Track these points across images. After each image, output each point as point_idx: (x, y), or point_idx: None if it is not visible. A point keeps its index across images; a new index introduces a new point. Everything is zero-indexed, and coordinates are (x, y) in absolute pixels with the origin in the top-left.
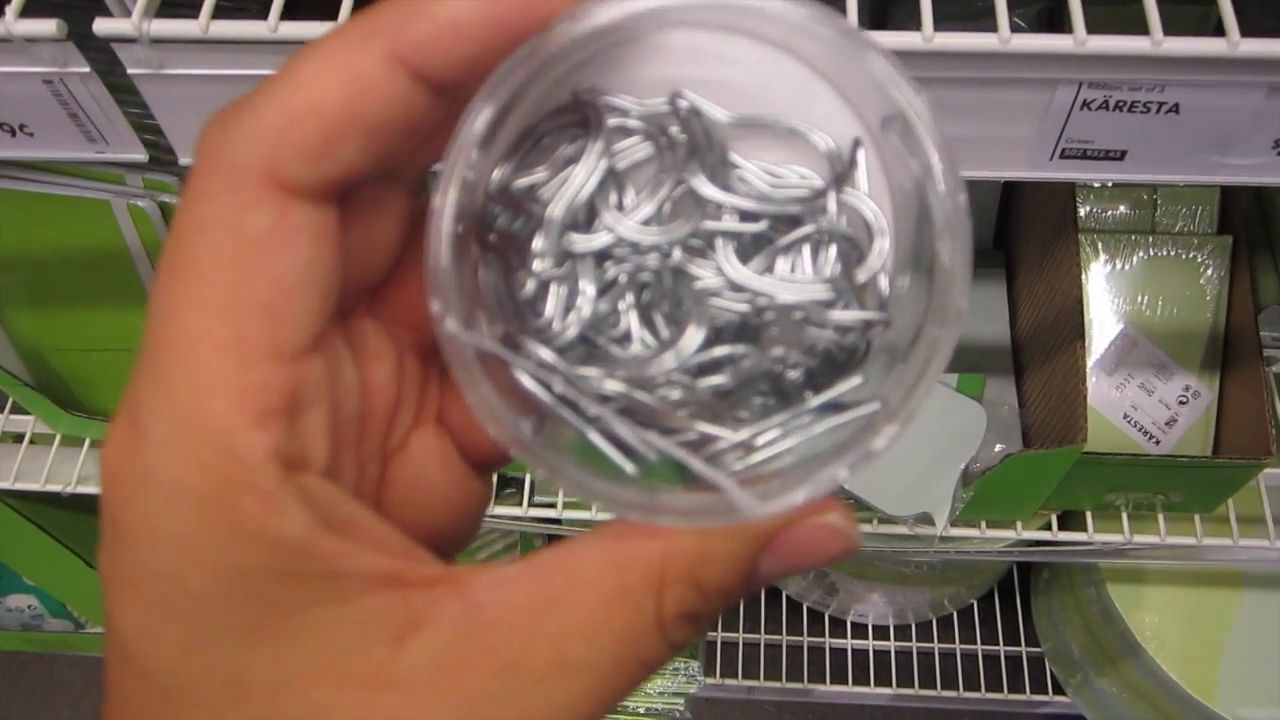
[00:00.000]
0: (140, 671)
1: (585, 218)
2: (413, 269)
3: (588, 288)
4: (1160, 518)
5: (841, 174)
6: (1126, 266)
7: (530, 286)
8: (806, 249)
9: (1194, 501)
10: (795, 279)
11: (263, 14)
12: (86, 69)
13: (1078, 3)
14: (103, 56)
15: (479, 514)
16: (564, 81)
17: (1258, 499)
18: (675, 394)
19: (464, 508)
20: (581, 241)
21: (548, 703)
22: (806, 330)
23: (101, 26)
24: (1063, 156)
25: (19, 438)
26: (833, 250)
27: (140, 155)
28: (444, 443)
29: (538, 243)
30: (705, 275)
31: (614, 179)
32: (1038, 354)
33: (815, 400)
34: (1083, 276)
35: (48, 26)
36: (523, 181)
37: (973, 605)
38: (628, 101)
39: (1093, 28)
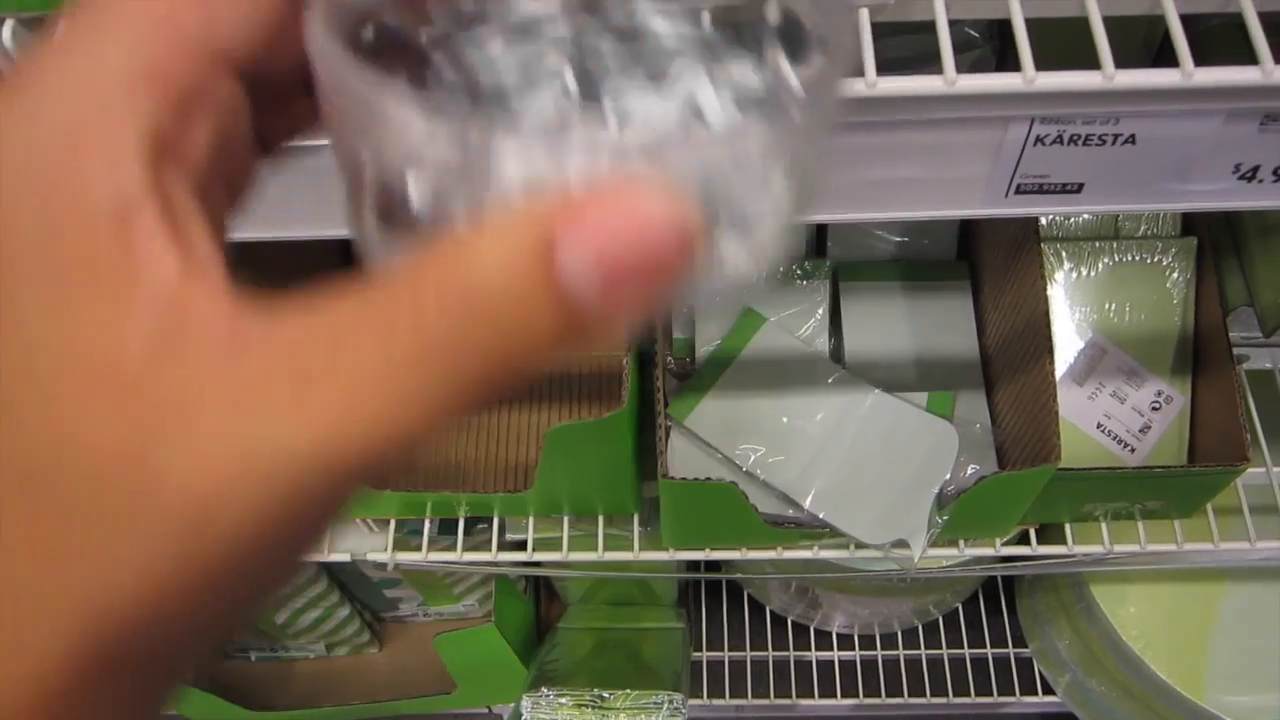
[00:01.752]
0: None
1: None
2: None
3: None
4: (1140, 525)
5: None
6: (1092, 274)
7: None
8: None
9: (1173, 508)
10: None
11: None
12: None
13: (1025, 41)
14: None
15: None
16: None
17: (1235, 495)
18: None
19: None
20: None
21: (300, 435)
22: None
23: None
24: (1019, 192)
25: None
26: None
27: None
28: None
29: None
30: None
31: None
32: (1007, 368)
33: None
34: (1047, 287)
35: None
36: None
37: (958, 609)
38: None
39: (1041, 52)
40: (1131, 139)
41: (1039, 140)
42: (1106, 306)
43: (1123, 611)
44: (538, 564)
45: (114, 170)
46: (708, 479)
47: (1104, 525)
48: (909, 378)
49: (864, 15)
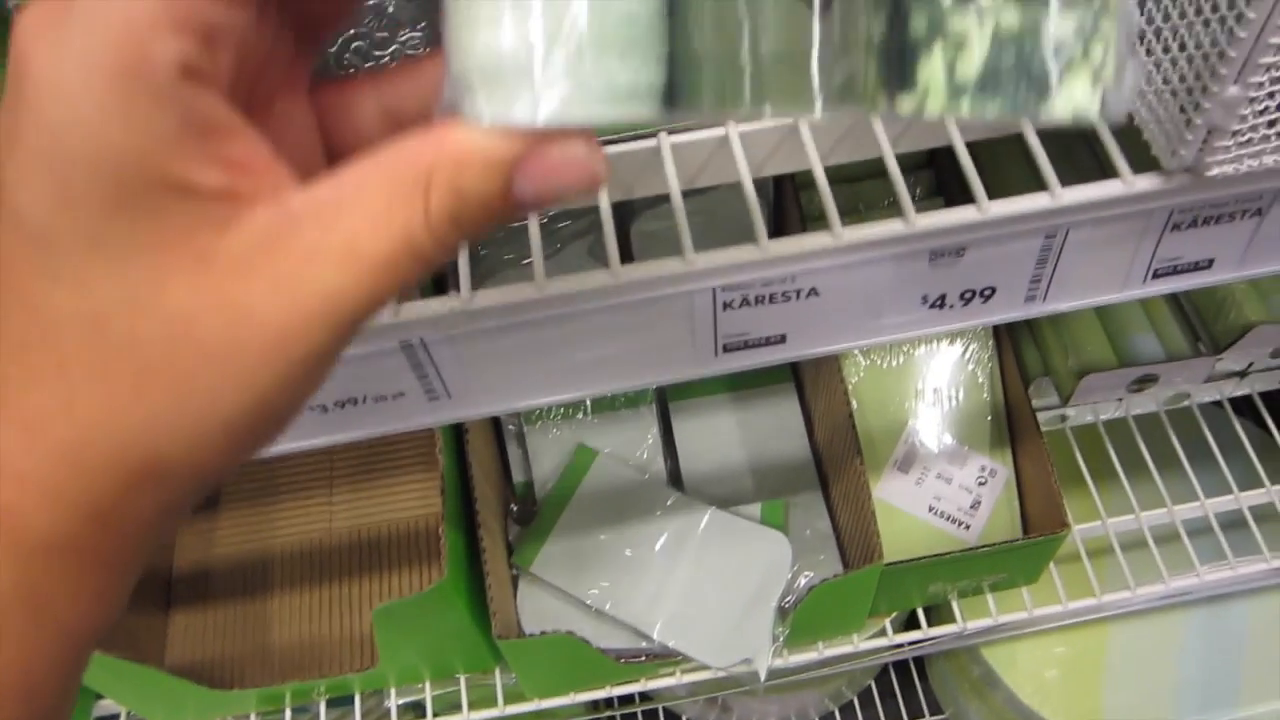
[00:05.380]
0: (15, 219)
1: None
2: None
3: None
4: (989, 598)
5: None
6: (895, 363)
7: None
8: None
9: (1016, 578)
10: None
11: None
12: None
13: (686, 231)
14: None
15: None
16: None
17: (1077, 548)
18: None
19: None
20: None
21: (340, 282)
22: None
23: None
24: (726, 350)
25: None
26: None
27: None
28: (307, 119)
29: None
30: None
31: None
32: (833, 466)
33: None
34: (854, 385)
35: None
36: None
37: (870, 686)
38: None
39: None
40: (814, 291)
41: (726, 305)
42: (917, 393)
43: (1016, 673)
44: None
45: (156, 106)
46: (543, 633)
47: (955, 603)
48: (747, 488)
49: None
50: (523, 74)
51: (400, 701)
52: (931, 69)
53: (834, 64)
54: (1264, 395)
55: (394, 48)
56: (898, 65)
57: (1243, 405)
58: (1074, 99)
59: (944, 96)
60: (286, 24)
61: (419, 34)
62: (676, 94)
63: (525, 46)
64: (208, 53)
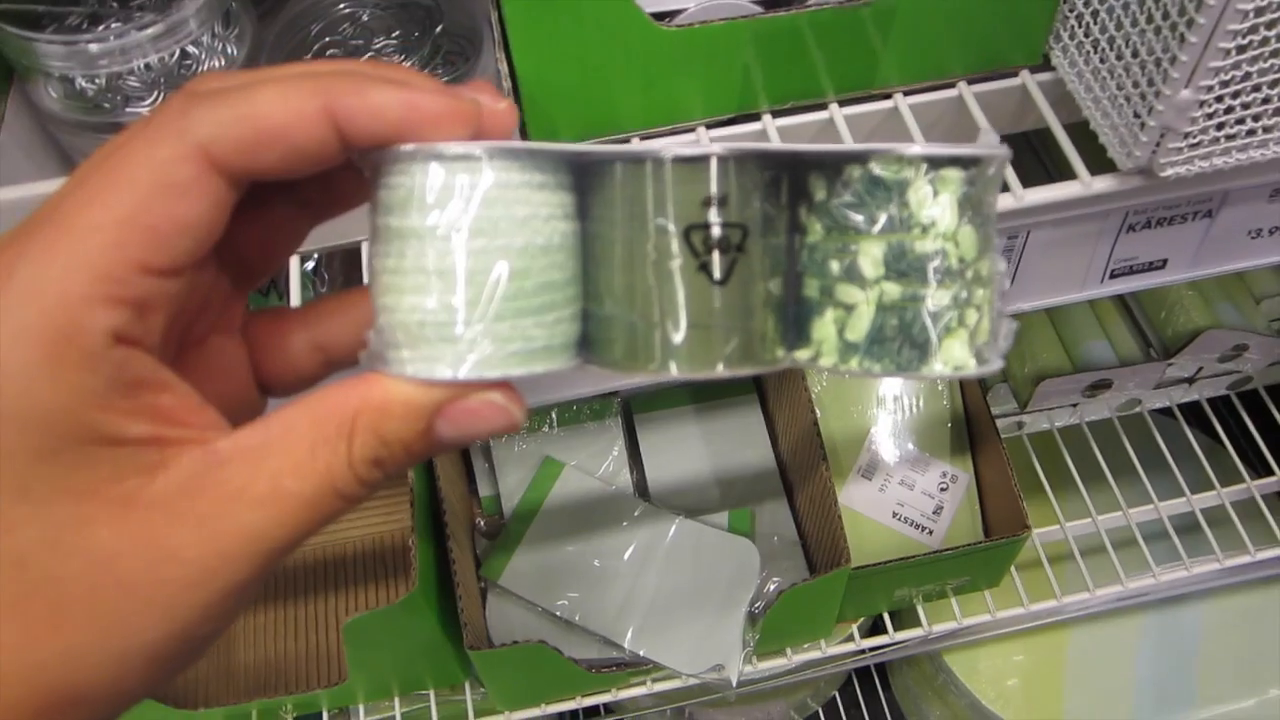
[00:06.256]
0: None
1: None
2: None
3: None
4: (953, 602)
5: None
6: None
7: None
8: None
9: (979, 581)
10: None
11: None
12: None
13: None
14: None
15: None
16: None
17: (1037, 553)
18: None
19: (234, 414)
20: None
21: (263, 521)
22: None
23: None
24: None
25: None
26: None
27: None
28: (239, 353)
29: None
30: None
31: None
32: (798, 474)
33: None
34: (817, 395)
35: None
36: None
37: (835, 697)
38: None
39: None
40: None
41: None
42: (878, 401)
43: (979, 679)
44: None
45: (86, 370)
46: (515, 643)
47: (920, 608)
48: (713, 498)
49: None
50: (445, 336)
51: (369, 719)
52: (824, 328)
53: (735, 327)
54: (1211, 403)
55: (369, 55)
56: (793, 321)
57: (1191, 415)
58: (953, 358)
59: (836, 354)
60: (223, 270)
61: (393, 42)
62: (590, 349)
63: (448, 310)
64: (139, 320)
